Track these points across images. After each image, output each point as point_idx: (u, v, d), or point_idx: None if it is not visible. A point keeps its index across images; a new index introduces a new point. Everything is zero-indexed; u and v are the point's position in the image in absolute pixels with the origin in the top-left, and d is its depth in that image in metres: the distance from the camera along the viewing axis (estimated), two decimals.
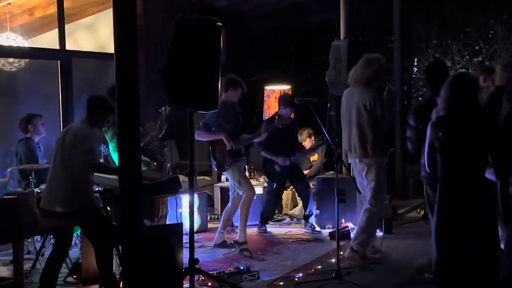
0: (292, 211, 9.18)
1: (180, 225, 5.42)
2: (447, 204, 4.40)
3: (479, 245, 4.34)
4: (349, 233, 7.59)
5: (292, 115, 8.65)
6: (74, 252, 6.47)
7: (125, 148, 4.65)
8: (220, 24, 4.82)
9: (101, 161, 7.10)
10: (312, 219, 8.22)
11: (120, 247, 5.41)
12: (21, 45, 9.68)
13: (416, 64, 14.98)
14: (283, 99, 8.34)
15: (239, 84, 7.10)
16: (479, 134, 4.37)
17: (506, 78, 5.55)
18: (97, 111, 5.53)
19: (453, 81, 4.52)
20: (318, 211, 8.30)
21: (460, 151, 4.35)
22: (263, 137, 7.47)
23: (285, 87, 10.14)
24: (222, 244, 7.36)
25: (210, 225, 8.44)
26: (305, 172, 9.15)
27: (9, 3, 9.70)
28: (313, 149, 8.94)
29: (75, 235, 6.20)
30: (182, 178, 6.45)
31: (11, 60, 9.89)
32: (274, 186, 8.36)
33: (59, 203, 5.33)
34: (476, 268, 4.34)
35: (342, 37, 8.52)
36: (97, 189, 6.09)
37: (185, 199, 7.08)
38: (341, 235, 6.77)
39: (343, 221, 7.79)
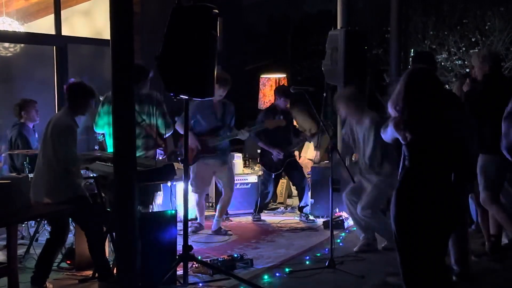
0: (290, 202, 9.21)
1: (174, 212, 5.43)
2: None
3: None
4: (343, 222, 7.62)
5: (288, 106, 8.65)
6: (68, 238, 6.47)
7: (119, 135, 4.65)
8: (217, 11, 4.81)
9: (96, 148, 7.12)
10: (307, 209, 8.25)
11: (114, 234, 5.42)
12: (17, 30, 9.63)
13: (412, 55, 14.95)
14: (279, 90, 8.39)
15: (225, 82, 7.08)
16: (444, 135, 4.13)
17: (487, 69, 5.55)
18: (77, 97, 5.46)
19: (410, 77, 4.17)
20: (312, 200, 8.32)
21: (427, 149, 4.19)
22: (245, 136, 7.49)
23: (281, 76, 10.14)
24: (218, 231, 7.46)
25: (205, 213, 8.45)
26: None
27: None
28: (311, 136, 8.91)
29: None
30: (177, 165, 6.43)
31: (6, 45, 9.84)
32: (273, 176, 8.38)
33: (45, 194, 5.31)
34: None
35: (339, 26, 8.51)
36: (91, 175, 6.10)
37: (179, 186, 7.08)
38: (335, 224, 6.79)
39: (337, 210, 7.81)
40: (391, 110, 4.16)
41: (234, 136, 7.47)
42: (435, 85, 4.16)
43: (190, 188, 7.24)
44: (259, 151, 8.52)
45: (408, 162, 4.13)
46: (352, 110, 6.55)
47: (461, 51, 14.41)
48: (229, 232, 7.54)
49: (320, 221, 8.01)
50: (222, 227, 7.60)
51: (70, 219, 5.61)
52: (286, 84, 9.85)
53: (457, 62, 14.34)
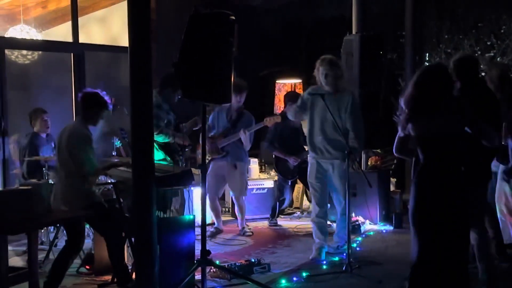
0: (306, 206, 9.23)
1: (192, 217, 5.47)
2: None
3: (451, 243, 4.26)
4: (360, 226, 7.63)
5: None
6: (86, 243, 6.50)
7: (138, 141, 4.70)
8: (233, 18, 4.85)
9: (114, 154, 7.18)
10: None
11: (132, 239, 5.47)
12: (35, 38, 9.73)
13: (427, 59, 14.92)
14: (290, 96, 8.42)
15: (237, 89, 7.17)
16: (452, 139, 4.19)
17: None
18: (89, 108, 5.52)
19: (424, 74, 4.25)
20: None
21: (437, 149, 4.22)
22: (244, 137, 7.53)
23: (296, 81, 10.16)
24: (241, 231, 7.76)
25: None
26: None
27: None
28: None
29: (87, 226, 6.25)
30: (194, 171, 6.48)
31: (24, 52, 9.94)
32: (289, 183, 8.43)
33: (63, 202, 5.37)
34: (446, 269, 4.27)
35: (354, 31, 8.53)
36: (110, 180, 6.16)
37: (197, 191, 7.13)
38: (351, 229, 6.79)
39: (353, 215, 7.82)
40: (403, 106, 4.25)
41: (236, 137, 7.51)
42: (448, 85, 4.22)
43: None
44: (274, 157, 8.55)
45: (419, 159, 4.21)
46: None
47: (476, 55, 14.35)
48: (248, 232, 7.69)
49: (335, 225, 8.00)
50: (245, 226, 7.74)
51: (87, 225, 5.66)
52: (302, 90, 9.87)
53: None
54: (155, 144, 6.78)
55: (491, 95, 5.37)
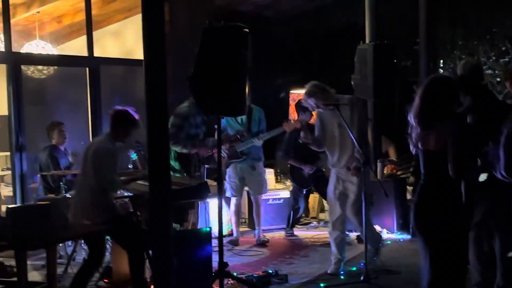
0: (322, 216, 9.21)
1: (209, 230, 5.48)
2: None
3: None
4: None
5: (313, 120, 8.69)
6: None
7: (154, 154, 4.71)
8: (247, 30, 4.87)
9: (130, 166, 7.21)
10: None
11: (150, 252, 5.48)
12: (50, 53, 9.81)
13: (442, 65, 14.87)
14: (300, 105, 8.40)
15: None
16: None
17: None
18: (118, 126, 5.55)
19: (428, 85, 4.25)
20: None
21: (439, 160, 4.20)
22: (259, 143, 7.58)
23: None
24: (258, 240, 7.82)
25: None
26: None
27: (38, 12, 9.85)
28: None
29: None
30: (211, 182, 6.50)
31: (40, 67, 10.03)
32: (304, 192, 8.43)
33: (84, 216, 5.40)
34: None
35: (367, 40, 8.53)
36: (127, 194, 6.18)
37: (213, 203, 7.15)
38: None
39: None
40: (411, 120, 4.24)
41: (251, 142, 7.53)
42: (452, 96, 4.21)
43: (227, 193, 7.58)
44: (289, 166, 8.55)
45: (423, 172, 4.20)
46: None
47: (491, 60, 14.29)
48: (265, 239, 7.79)
49: (353, 235, 7.99)
50: (261, 236, 7.80)
51: (106, 238, 5.68)
52: None
53: (487, 71, 14.22)
54: (174, 154, 6.85)
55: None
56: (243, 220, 8.84)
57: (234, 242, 7.71)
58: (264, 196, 8.13)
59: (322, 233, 8.33)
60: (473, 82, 5.24)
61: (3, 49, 8.39)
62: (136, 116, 5.61)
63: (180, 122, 6.93)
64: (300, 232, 8.48)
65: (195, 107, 6.68)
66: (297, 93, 10.06)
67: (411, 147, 4.32)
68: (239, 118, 7.56)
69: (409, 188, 9.10)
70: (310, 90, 6.54)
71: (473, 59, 10.43)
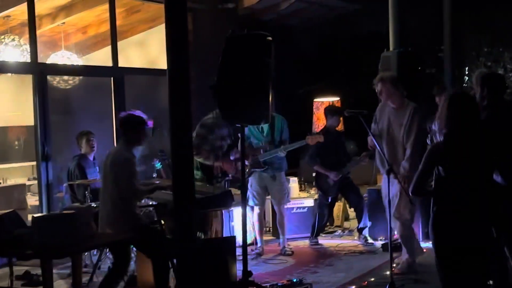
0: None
1: (233, 238, 5.48)
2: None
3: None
4: (401, 245, 7.52)
5: (340, 126, 8.69)
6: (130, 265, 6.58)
7: (178, 163, 4.73)
8: (270, 38, 4.86)
9: (154, 176, 7.24)
10: (365, 231, 8.19)
11: (174, 260, 5.49)
12: (75, 63, 9.91)
13: (467, 73, 14.76)
14: (329, 109, 8.42)
15: None
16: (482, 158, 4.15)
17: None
18: (129, 129, 5.56)
19: (452, 101, 4.23)
20: (370, 223, 8.25)
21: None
22: (283, 154, 7.53)
23: (334, 99, 10.14)
24: (282, 250, 7.76)
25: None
26: None
27: (63, 23, 9.98)
28: (364, 158, 8.81)
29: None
30: (235, 191, 6.50)
31: (65, 77, 10.14)
32: (329, 200, 8.39)
33: (107, 225, 5.43)
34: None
35: (391, 48, 8.49)
36: (151, 203, 6.20)
37: (237, 212, 7.15)
38: (394, 247, 6.70)
39: (395, 233, 7.72)
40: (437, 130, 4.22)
41: (274, 153, 7.52)
42: (475, 109, 4.19)
43: (249, 202, 7.52)
44: (314, 174, 8.52)
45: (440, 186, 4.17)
46: (393, 93, 6.54)
47: None
48: (289, 251, 7.69)
49: (379, 243, 7.93)
50: (286, 246, 7.75)
51: (131, 248, 5.70)
52: (339, 106, 9.84)
53: None
54: (198, 163, 6.86)
55: None
56: (267, 229, 8.82)
57: (260, 253, 7.67)
58: (288, 205, 8.09)
59: (346, 242, 8.28)
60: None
61: (29, 60, 8.49)
62: (143, 116, 5.62)
63: (205, 133, 6.94)
64: (325, 241, 8.43)
65: (221, 118, 6.67)
66: (321, 101, 10.04)
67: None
68: (262, 127, 7.55)
69: None
70: (391, 76, 6.66)
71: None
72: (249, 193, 7.62)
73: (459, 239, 4.10)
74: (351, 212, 8.87)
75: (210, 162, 6.92)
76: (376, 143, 6.18)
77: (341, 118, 8.55)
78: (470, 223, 4.09)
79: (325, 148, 8.13)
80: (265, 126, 7.46)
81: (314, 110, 10.13)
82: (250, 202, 7.65)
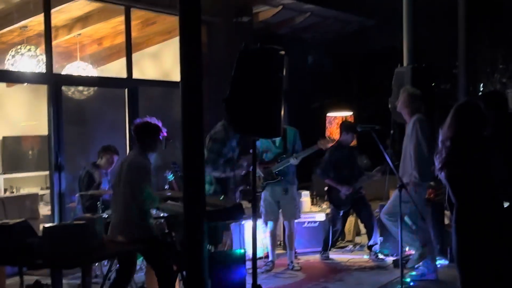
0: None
1: (243, 251, 5.47)
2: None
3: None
4: None
5: (354, 142, 8.67)
6: (140, 277, 6.58)
7: (190, 175, 4.73)
8: (283, 52, 4.87)
9: (166, 187, 7.25)
10: (376, 247, 8.15)
11: (184, 273, 5.49)
12: (90, 74, 9.97)
13: (482, 89, 14.70)
14: (345, 126, 8.40)
15: None
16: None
17: None
18: (144, 137, 5.61)
19: (458, 111, 4.29)
20: (381, 239, 8.21)
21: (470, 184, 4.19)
22: (296, 162, 7.54)
23: (347, 114, 10.12)
24: (290, 265, 7.73)
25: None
26: None
27: (79, 34, 10.05)
28: (377, 173, 8.77)
29: (140, 259, 6.31)
30: (246, 204, 6.51)
31: (80, 88, 10.20)
32: (341, 214, 8.36)
33: (119, 232, 5.45)
34: None
35: (405, 63, 8.47)
36: (162, 215, 6.21)
37: (248, 225, 7.15)
38: (405, 263, 6.68)
39: (407, 249, 7.68)
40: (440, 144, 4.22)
41: (287, 162, 7.51)
42: (483, 121, 4.18)
43: (262, 218, 7.56)
44: (326, 188, 8.51)
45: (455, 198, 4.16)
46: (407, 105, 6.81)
47: None
48: (297, 267, 7.63)
49: (389, 259, 7.89)
50: (293, 260, 7.70)
51: (140, 258, 5.71)
52: (352, 121, 9.82)
53: None
54: (211, 178, 6.83)
55: None
56: (279, 243, 8.80)
57: (271, 268, 7.65)
58: (299, 219, 8.07)
59: (357, 257, 8.24)
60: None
61: (44, 70, 8.55)
62: (158, 123, 5.66)
63: (219, 147, 6.90)
64: (336, 256, 8.40)
65: (230, 130, 6.68)
66: (334, 116, 10.03)
67: (436, 172, 4.30)
68: (275, 141, 7.55)
69: (447, 213, 8.97)
70: (413, 90, 7.00)
71: None
72: (262, 209, 7.61)
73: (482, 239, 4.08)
74: (363, 228, 8.84)
75: (225, 175, 6.90)
76: (388, 160, 6.18)
77: (356, 135, 8.55)
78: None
79: (337, 163, 8.14)
80: (277, 139, 7.46)
81: (326, 124, 10.11)
82: (263, 218, 7.63)
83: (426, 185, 7.10)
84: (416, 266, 7.15)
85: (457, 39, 10.23)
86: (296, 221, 7.87)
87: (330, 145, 7.79)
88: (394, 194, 6.81)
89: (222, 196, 6.61)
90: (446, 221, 8.45)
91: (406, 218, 6.71)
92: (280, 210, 7.77)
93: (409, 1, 8.48)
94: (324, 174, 8.27)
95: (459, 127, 4.15)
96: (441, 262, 7.76)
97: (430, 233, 7.11)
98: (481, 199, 4.10)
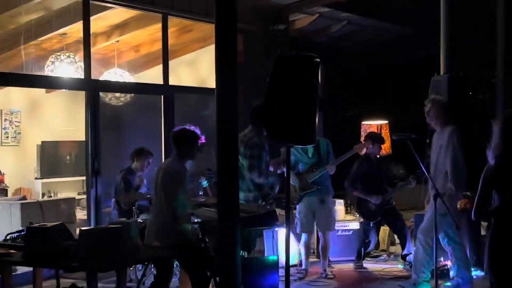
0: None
1: (276, 258, 5.47)
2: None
3: None
4: (448, 271, 7.39)
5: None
6: (173, 282, 6.61)
7: (224, 181, 4.77)
8: (318, 60, 4.87)
9: (201, 193, 7.29)
10: (410, 257, 8.07)
11: (217, 278, 5.51)
12: (128, 81, 10.09)
13: None
14: (370, 137, 8.33)
15: None
16: None
17: None
18: (181, 144, 5.66)
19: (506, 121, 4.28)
20: (414, 248, 8.12)
21: None
22: (333, 169, 7.51)
23: (383, 122, 10.05)
24: (323, 274, 7.66)
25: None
26: None
27: (117, 41, 10.18)
28: (406, 183, 8.66)
29: (174, 264, 6.35)
30: (279, 211, 6.50)
31: (117, 94, 10.33)
32: (371, 225, 8.31)
33: (155, 237, 5.50)
34: None
35: (442, 72, 8.40)
36: (196, 220, 6.25)
37: (281, 232, 7.13)
38: (440, 273, 6.61)
39: (442, 259, 7.59)
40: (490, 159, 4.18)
41: (323, 170, 7.48)
42: None
43: (297, 230, 7.53)
44: (356, 200, 8.47)
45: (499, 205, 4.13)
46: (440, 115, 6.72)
47: None
48: (330, 275, 7.60)
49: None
50: (326, 269, 7.66)
51: (175, 263, 5.75)
52: (387, 131, 9.75)
53: None
54: (249, 184, 6.79)
55: None
56: (312, 251, 8.77)
57: (304, 276, 7.63)
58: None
59: (391, 267, 8.17)
60: None
61: (83, 77, 8.68)
62: (197, 130, 5.70)
63: (259, 152, 6.80)
64: (370, 265, 8.34)
65: (261, 135, 6.63)
66: (369, 124, 9.98)
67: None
68: (307, 150, 7.52)
69: (484, 223, 8.84)
70: (442, 100, 6.99)
71: None
72: (296, 220, 7.60)
73: None
74: (397, 237, 8.76)
75: (266, 179, 6.88)
76: (423, 168, 6.13)
77: (382, 146, 8.49)
78: None
79: (365, 174, 8.12)
80: (310, 149, 7.45)
81: (362, 132, 10.06)
82: (298, 229, 7.62)
83: (461, 196, 7.02)
84: (451, 276, 7.07)
85: (496, 48, 10.11)
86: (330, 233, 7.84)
87: (365, 149, 7.76)
88: (429, 209, 6.70)
89: (261, 201, 6.61)
90: (483, 232, 8.35)
91: (441, 236, 6.61)
92: (315, 221, 7.74)
93: (447, 10, 8.42)
94: (351, 186, 8.25)
95: (505, 141, 4.13)
96: (476, 273, 7.65)
97: (465, 248, 7.01)
98: None
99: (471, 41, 12.55)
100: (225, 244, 4.73)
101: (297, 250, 7.95)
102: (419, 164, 6.09)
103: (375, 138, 8.29)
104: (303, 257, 7.75)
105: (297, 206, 7.62)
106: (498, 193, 4.15)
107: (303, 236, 7.65)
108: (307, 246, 7.72)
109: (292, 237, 7.57)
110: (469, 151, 7.49)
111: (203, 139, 5.83)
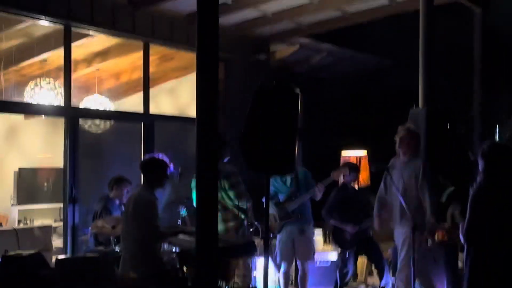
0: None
1: None
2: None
3: None
4: None
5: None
6: None
7: (203, 211, 4.74)
8: (298, 91, 4.91)
9: (179, 223, 7.25)
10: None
11: None
12: (108, 108, 10.07)
13: (498, 134, 14.63)
14: (346, 164, 8.41)
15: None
16: None
17: None
18: (149, 172, 5.69)
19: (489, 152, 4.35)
20: (393, 279, 8.12)
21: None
22: (317, 196, 7.51)
23: (361, 152, 10.12)
24: None
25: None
26: None
27: (98, 69, 10.18)
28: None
29: None
30: (258, 241, 6.49)
31: (97, 122, 10.29)
32: (347, 255, 8.30)
33: (131, 268, 5.45)
34: None
35: (420, 104, 8.48)
36: (174, 250, 6.21)
37: (260, 261, 7.11)
38: None
39: None
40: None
41: (304, 197, 7.48)
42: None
43: (277, 260, 7.51)
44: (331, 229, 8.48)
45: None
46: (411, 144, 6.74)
47: None
48: None
49: None
50: None
51: None
52: (366, 162, 9.81)
53: None
54: (233, 215, 6.76)
55: None
56: (291, 282, 8.73)
57: None
58: None
59: None
60: None
61: (62, 103, 8.64)
62: (165, 159, 5.71)
63: (237, 179, 6.80)
64: None
65: (226, 163, 6.69)
66: (348, 155, 10.03)
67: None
68: (285, 179, 7.53)
69: (461, 255, 8.87)
70: (416, 130, 7.01)
71: None
72: (277, 250, 7.58)
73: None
74: (374, 268, 8.75)
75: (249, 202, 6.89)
76: (401, 200, 6.16)
77: (361, 177, 8.55)
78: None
79: (342, 203, 8.14)
80: (288, 179, 7.47)
81: (341, 163, 10.11)
82: (278, 259, 7.59)
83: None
84: None
85: (473, 82, 10.26)
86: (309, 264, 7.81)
87: (342, 177, 7.79)
88: (403, 245, 6.68)
89: (242, 229, 6.61)
90: (460, 265, 8.36)
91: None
92: (295, 251, 7.71)
93: (426, 43, 8.52)
94: (328, 215, 8.25)
95: (486, 170, 4.20)
96: None
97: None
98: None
99: (449, 74, 12.72)
100: (203, 274, 4.69)
101: (275, 280, 7.90)
102: (397, 195, 6.12)
103: (351, 166, 8.35)
104: (281, 287, 7.71)
105: (278, 236, 7.60)
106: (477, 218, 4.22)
107: (283, 266, 7.62)
108: (286, 276, 7.69)
109: (271, 266, 7.54)
110: (443, 183, 7.56)
111: (172, 168, 5.85)
